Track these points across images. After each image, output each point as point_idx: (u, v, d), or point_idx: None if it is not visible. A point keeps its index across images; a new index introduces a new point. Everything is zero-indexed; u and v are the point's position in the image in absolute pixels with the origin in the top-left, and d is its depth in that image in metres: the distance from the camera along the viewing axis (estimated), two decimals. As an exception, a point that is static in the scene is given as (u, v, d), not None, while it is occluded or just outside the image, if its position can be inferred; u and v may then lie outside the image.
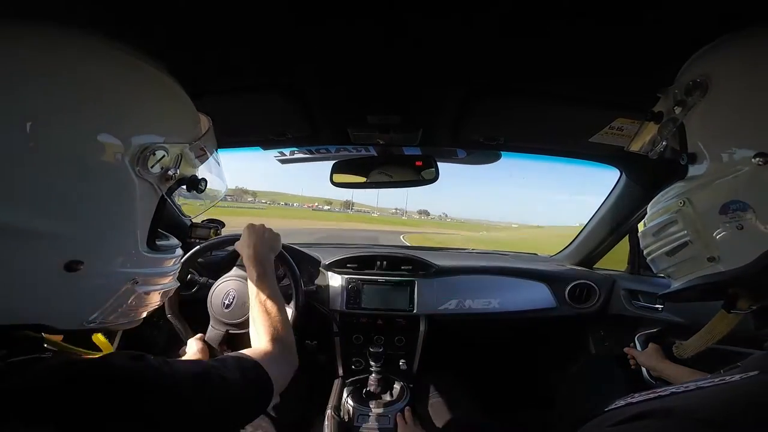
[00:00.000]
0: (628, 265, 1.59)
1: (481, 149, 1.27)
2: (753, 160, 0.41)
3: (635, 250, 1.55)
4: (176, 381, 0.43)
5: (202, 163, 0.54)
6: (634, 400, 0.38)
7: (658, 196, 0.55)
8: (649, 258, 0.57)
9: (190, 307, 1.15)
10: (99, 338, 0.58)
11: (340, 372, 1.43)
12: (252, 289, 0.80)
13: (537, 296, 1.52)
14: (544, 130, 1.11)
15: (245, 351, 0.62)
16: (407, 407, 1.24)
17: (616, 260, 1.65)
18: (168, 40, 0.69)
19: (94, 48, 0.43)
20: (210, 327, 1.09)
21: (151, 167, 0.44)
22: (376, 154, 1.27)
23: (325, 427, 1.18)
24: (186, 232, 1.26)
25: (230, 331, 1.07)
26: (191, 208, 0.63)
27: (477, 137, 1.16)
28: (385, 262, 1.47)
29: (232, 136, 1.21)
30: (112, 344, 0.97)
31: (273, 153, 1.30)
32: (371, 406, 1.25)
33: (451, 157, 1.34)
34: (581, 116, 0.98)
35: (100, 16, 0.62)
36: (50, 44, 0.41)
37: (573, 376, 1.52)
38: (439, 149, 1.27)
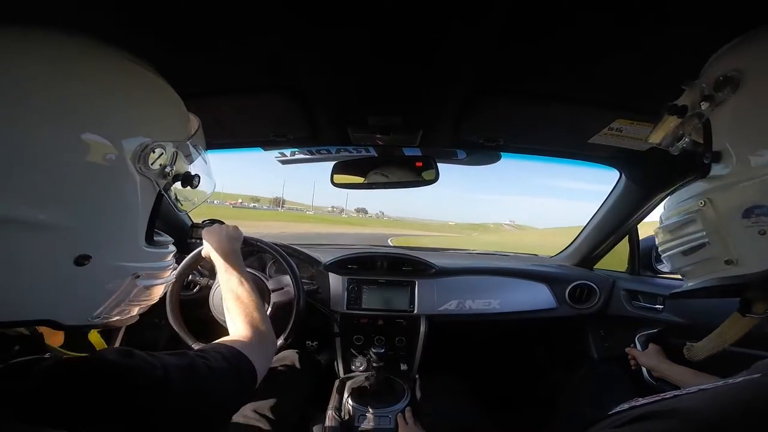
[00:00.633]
0: (628, 265, 1.59)
1: (481, 150, 1.28)
2: None
3: (635, 251, 1.55)
4: (166, 373, 0.45)
5: (193, 161, 0.57)
6: (638, 404, 0.38)
7: (677, 193, 0.53)
8: (664, 255, 0.55)
9: (192, 309, 1.15)
10: (94, 336, 0.59)
11: (341, 372, 1.43)
12: (223, 281, 0.82)
13: (537, 297, 1.52)
14: (544, 131, 1.11)
15: (224, 339, 0.64)
16: (408, 407, 1.24)
17: (616, 261, 1.65)
18: (170, 40, 0.70)
19: (92, 50, 0.45)
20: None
21: (151, 164, 0.46)
22: (376, 155, 1.27)
23: (326, 427, 1.18)
24: (187, 233, 1.26)
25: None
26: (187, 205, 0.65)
27: (477, 138, 1.16)
28: (385, 263, 1.47)
29: (233, 137, 1.22)
30: (113, 344, 0.97)
31: (274, 154, 1.30)
32: (371, 406, 1.25)
33: (451, 158, 1.34)
34: (581, 117, 0.98)
35: (101, 17, 0.63)
36: (52, 46, 0.42)
37: (575, 379, 1.52)
38: (439, 150, 1.27)
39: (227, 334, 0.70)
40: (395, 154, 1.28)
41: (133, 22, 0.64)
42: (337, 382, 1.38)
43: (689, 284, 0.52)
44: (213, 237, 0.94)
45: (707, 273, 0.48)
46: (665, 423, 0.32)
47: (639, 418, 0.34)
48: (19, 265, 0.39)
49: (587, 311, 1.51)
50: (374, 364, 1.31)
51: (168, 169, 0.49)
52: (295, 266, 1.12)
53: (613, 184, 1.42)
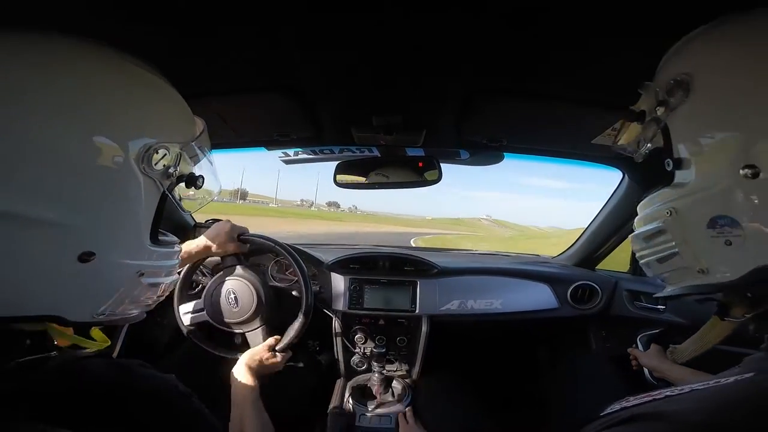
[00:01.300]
0: (630, 266, 1.59)
1: (485, 150, 1.28)
2: (741, 171, 0.37)
3: (637, 252, 1.55)
4: (157, 384, 0.48)
5: (198, 162, 0.57)
6: (628, 404, 0.38)
7: (646, 199, 0.52)
8: (641, 262, 0.55)
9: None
10: (97, 333, 0.60)
11: (342, 372, 1.43)
12: (233, 416, 0.81)
13: (539, 297, 1.51)
14: (547, 131, 1.11)
15: None
16: (409, 407, 1.24)
17: (618, 261, 1.65)
18: (171, 41, 0.70)
19: (96, 53, 0.46)
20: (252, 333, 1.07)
21: (155, 165, 0.47)
22: (379, 155, 1.27)
23: (327, 427, 1.18)
24: (190, 233, 1.27)
25: (237, 331, 1.07)
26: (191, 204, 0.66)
27: (480, 138, 1.16)
28: (387, 263, 1.47)
29: (237, 137, 1.22)
30: (115, 342, 0.97)
31: (277, 153, 1.31)
32: (373, 406, 1.25)
33: (453, 159, 1.34)
34: (584, 118, 0.99)
35: (102, 17, 0.63)
36: (53, 50, 0.43)
37: (576, 380, 1.52)
38: (442, 150, 1.27)
39: (223, 333, 0.70)
40: (398, 155, 1.28)
41: (135, 22, 0.65)
42: (338, 382, 1.38)
43: (668, 290, 0.51)
44: (216, 229, 0.96)
45: (682, 280, 0.48)
46: (652, 426, 0.32)
47: (627, 420, 0.34)
48: (24, 261, 0.40)
49: (589, 311, 1.51)
50: (375, 364, 1.31)
51: (172, 170, 0.50)
52: (304, 267, 1.11)
53: (616, 185, 1.42)
